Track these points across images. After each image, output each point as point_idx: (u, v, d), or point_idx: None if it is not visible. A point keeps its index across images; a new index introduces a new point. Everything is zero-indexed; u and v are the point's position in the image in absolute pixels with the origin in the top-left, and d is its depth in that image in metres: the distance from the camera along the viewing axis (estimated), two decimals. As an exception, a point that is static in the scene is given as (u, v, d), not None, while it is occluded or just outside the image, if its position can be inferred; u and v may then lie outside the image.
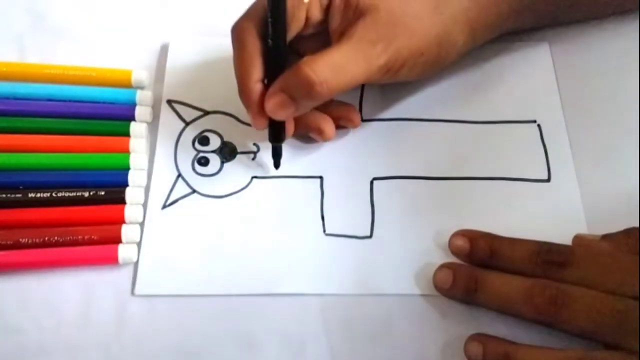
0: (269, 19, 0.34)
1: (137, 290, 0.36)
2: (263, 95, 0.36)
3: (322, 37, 0.38)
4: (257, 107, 0.36)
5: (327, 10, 0.38)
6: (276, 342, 0.35)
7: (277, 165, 0.40)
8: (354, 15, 0.37)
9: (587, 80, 0.43)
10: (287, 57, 0.36)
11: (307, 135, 0.41)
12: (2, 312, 0.36)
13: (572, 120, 0.41)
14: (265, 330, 0.35)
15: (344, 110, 0.41)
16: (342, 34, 0.36)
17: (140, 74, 0.43)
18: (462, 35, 0.39)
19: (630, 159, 0.40)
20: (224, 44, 0.43)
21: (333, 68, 0.34)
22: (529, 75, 0.43)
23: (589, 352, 0.32)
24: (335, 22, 0.38)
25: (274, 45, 0.35)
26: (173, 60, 0.44)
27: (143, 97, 0.42)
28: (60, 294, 0.36)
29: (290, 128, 0.38)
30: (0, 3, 0.47)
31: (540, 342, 0.33)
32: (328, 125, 0.39)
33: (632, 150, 0.40)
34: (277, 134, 0.38)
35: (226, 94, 0.42)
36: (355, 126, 0.41)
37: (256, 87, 0.36)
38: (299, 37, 0.38)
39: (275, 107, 0.35)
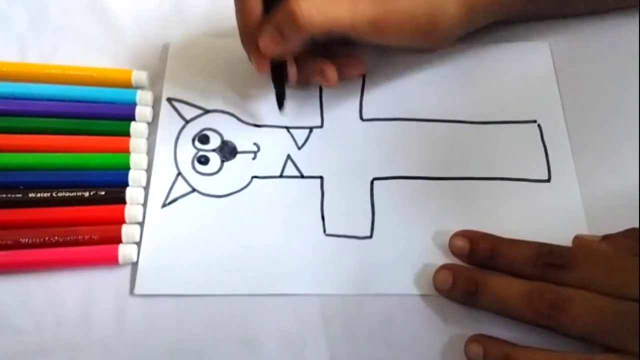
0: None
1: (137, 290, 0.36)
2: None
3: None
4: (258, 49, 0.38)
5: None
6: (276, 342, 0.35)
7: (280, 106, 0.41)
8: None
9: (587, 79, 0.42)
10: None
11: (311, 82, 0.42)
12: (2, 312, 0.36)
13: (572, 120, 0.41)
14: (265, 330, 0.35)
15: (347, 59, 0.42)
16: None
17: (140, 74, 0.43)
18: (457, 11, 0.39)
19: (630, 159, 0.39)
20: (224, 44, 0.43)
21: (318, 4, 0.36)
22: (529, 75, 0.43)
23: (589, 355, 0.32)
24: None
25: None
26: (173, 60, 0.44)
27: (143, 97, 0.42)
28: (60, 293, 0.36)
29: (292, 72, 0.40)
30: (0, 3, 0.47)
31: (540, 344, 0.33)
32: (331, 70, 0.40)
33: (632, 150, 0.40)
34: (278, 76, 0.40)
35: (226, 93, 0.43)
36: (359, 74, 0.43)
37: (256, 29, 0.38)
38: None
39: (267, 42, 0.37)
